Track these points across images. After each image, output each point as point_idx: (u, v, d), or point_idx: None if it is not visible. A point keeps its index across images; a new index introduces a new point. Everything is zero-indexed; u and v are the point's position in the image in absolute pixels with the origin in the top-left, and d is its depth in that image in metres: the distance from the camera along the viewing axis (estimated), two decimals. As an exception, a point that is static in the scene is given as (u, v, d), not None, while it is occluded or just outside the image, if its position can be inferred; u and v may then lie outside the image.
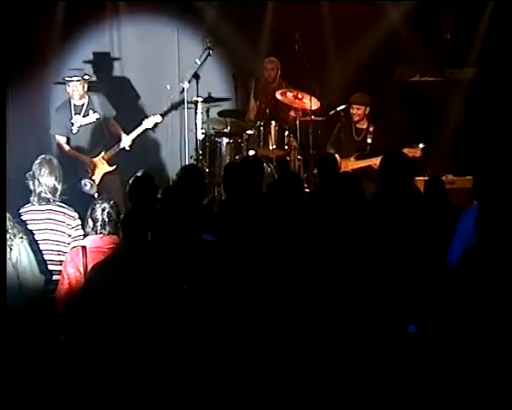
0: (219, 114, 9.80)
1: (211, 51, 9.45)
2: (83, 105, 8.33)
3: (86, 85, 8.37)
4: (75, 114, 8.31)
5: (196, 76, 9.43)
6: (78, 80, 8.27)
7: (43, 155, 6.29)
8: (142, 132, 8.54)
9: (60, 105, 8.49)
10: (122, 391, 4.42)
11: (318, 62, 9.54)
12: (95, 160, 8.31)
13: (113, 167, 8.37)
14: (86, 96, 8.36)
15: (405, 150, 8.34)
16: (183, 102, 9.51)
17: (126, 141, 8.40)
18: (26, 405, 4.79)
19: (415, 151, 8.36)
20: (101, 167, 8.35)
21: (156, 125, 8.67)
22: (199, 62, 9.55)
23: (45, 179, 5.88)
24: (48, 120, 9.36)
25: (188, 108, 9.48)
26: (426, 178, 7.99)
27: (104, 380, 4.47)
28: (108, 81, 9.79)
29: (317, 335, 4.22)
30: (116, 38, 9.98)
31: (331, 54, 10.07)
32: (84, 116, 8.33)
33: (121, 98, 9.48)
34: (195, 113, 9.31)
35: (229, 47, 9.82)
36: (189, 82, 9.44)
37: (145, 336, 4.45)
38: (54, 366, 4.88)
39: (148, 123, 8.53)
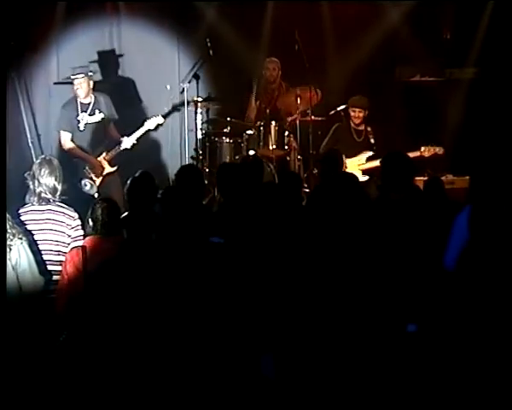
0: (219, 114, 9.80)
1: (211, 51, 9.46)
2: (89, 104, 8.35)
3: (92, 83, 8.38)
4: (81, 112, 8.33)
5: (196, 76, 9.45)
6: (82, 77, 8.28)
7: (43, 155, 6.30)
8: (144, 133, 8.54)
9: (66, 102, 8.50)
10: (122, 391, 4.41)
11: (318, 62, 9.54)
12: (99, 159, 8.33)
13: (115, 168, 8.37)
14: (92, 96, 8.37)
15: (424, 148, 8.41)
16: (184, 102, 9.52)
17: (128, 142, 8.40)
18: (27, 405, 4.79)
19: (438, 149, 8.41)
20: (103, 169, 8.35)
21: (158, 126, 8.67)
22: (199, 63, 9.58)
23: (45, 179, 5.86)
24: (48, 120, 9.38)
25: (187, 108, 9.50)
26: (426, 178, 8.00)
27: (104, 380, 4.47)
28: (113, 80, 9.79)
29: (316, 333, 4.22)
30: (116, 37, 9.97)
31: (331, 54, 10.08)
32: (90, 115, 8.34)
33: (123, 99, 9.46)
34: (195, 113, 9.32)
35: (229, 47, 9.82)
36: (189, 82, 9.46)
37: (146, 337, 4.45)
38: (53, 366, 4.88)
39: (149, 124, 8.53)
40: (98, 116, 8.36)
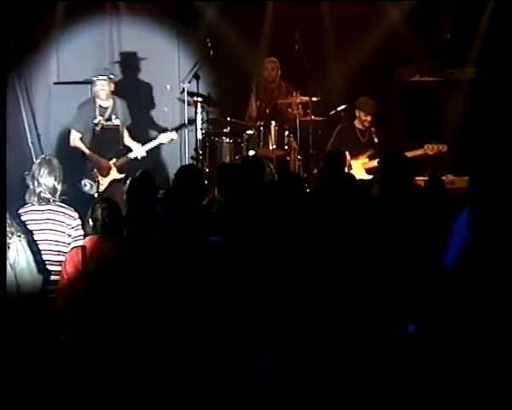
0: (219, 114, 9.80)
1: (211, 51, 9.46)
2: (107, 108, 8.30)
3: (112, 86, 8.35)
4: (99, 115, 8.29)
5: (196, 76, 9.46)
6: (105, 80, 8.27)
7: (43, 155, 6.30)
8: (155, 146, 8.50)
9: (83, 102, 8.43)
10: (122, 391, 4.42)
11: (318, 62, 9.55)
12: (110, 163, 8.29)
13: (123, 175, 8.28)
14: (111, 99, 8.33)
15: (428, 146, 8.41)
16: (194, 120, 9.47)
17: (140, 151, 8.35)
18: (26, 405, 4.79)
19: (442, 146, 8.41)
20: (111, 174, 8.30)
21: (171, 140, 8.58)
22: (199, 63, 9.58)
23: (45, 179, 5.85)
24: (48, 120, 9.38)
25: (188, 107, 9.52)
26: (426, 178, 8.00)
27: (104, 380, 4.47)
28: (132, 82, 9.79)
29: (315, 333, 4.23)
30: (116, 37, 9.98)
31: (331, 54, 10.09)
32: (106, 120, 8.30)
33: (134, 101, 9.42)
34: (195, 113, 9.32)
35: (229, 47, 9.82)
36: (189, 82, 9.47)
37: (146, 337, 4.45)
38: (53, 366, 4.88)
39: (163, 138, 8.44)
40: (114, 122, 8.32)
